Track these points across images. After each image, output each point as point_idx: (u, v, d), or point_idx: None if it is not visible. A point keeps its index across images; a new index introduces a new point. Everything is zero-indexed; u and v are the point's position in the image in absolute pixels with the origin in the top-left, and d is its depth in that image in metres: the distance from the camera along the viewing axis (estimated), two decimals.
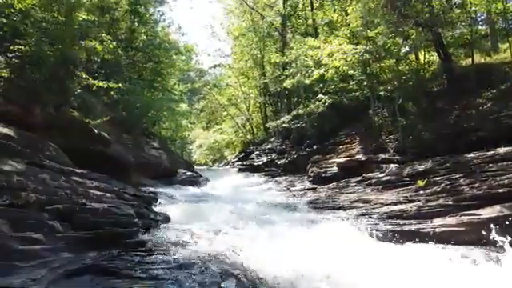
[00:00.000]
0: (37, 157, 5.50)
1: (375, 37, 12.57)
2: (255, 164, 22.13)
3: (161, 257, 4.16)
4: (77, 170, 6.04)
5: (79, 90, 11.91)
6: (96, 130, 11.67)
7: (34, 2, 9.40)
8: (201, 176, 19.24)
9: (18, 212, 3.96)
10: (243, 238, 5.61)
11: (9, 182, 4.06)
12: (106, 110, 14.23)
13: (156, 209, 8.13)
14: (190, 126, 34.00)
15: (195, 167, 28.83)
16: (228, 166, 25.26)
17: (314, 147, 18.26)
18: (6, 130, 5.46)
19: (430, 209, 7.84)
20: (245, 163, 23.37)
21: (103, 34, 11.92)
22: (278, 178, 18.21)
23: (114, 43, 12.05)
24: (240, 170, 22.25)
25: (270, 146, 23.16)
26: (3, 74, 7.99)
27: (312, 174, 15.57)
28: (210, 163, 38.98)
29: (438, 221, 7.30)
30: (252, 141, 27.08)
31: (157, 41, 21.07)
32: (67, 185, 5.12)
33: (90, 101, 13.19)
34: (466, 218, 6.99)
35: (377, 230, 7.34)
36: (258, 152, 23.69)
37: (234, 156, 28.37)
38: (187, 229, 5.91)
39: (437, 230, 7.05)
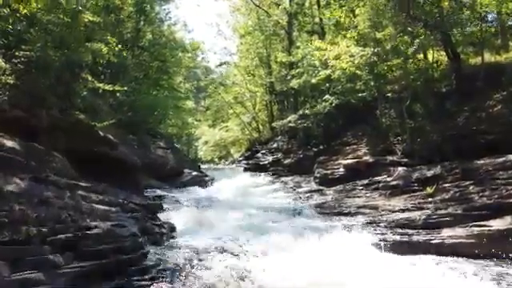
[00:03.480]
0: (42, 171, 5.45)
1: (383, 39, 12.36)
2: (261, 163, 22.03)
3: (165, 287, 4.10)
4: (82, 184, 5.99)
5: (85, 93, 11.87)
6: (101, 133, 11.64)
7: (40, 6, 9.35)
8: (206, 175, 19.22)
9: (18, 250, 3.90)
10: (251, 257, 5.53)
11: (9, 215, 4.00)
12: (112, 112, 14.20)
13: (161, 215, 8.10)
14: (195, 123, 33.94)
15: (201, 164, 28.89)
16: (234, 165, 25.22)
17: (321, 147, 18.11)
18: (10, 143, 5.40)
19: (439, 218, 7.72)
20: (251, 162, 23.28)
21: (108, 37, 11.82)
22: (284, 178, 18.08)
23: (120, 46, 11.95)
24: (246, 169, 22.18)
25: (275, 145, 23.02)
26: (9, 81, 7.94)
27: (318, 175, 15.44)
28: (216, 160, 38.99)
29: (447, 231, 7.19)
30: (258, 139, 26.96)
31: (163, 40, 20.98)
32: (71, 202, 5.06)
33: (95, 103, 13.14)
34: (476, 230, 6.86)
35: (385, 241, 7.25)
36: (263, 151, 23.58)
37: (240, 154, 28.31)
38: (193, 245, 5.83)
39: (446, 241, 6.94)
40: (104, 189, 6.53)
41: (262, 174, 20.08)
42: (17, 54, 8.38)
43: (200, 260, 5.14)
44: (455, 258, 6.39)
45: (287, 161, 20.12)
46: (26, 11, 8.71)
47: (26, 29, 8.72)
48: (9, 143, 5.41)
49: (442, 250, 6.77)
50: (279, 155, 21.55)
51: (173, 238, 6.41)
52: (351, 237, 7.48)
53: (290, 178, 17.96)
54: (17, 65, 8.49)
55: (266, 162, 21.75)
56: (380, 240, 7.32)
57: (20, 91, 8.42)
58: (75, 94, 11.13)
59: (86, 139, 10.71)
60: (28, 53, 8.62)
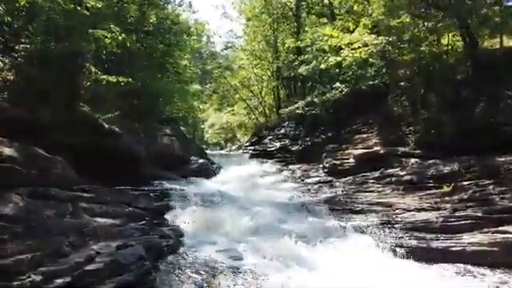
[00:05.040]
0: (42, 180, 5.15)
1: (398, 26, 11.78)
2: (268, 150, 21.68)
3: None
4: (84, 195, 5.69)
5: (89, 83, 11.54)
6: (106, 125, 11.37)
7: None
8: (213, 163, 18.91)
9: None
10: (263, 275, 5.25)
11: (3, 266, 3.67)
12: (117, 100, 13.84)
13: (168, 215, 7.86)
14: (201, 107, 33.52)
15: (207, 148, 28.57)
16: (241, 151, 24.84)
17: (329, 134, 17.77)
18: (8, 151, 5.09)
19: (458, 220, 7.38)
20: (257, 148, 22.94)
21: (111, 25, 11.37)
22: (291, 166, 17.73)
23: (123, 35, 11.52)
24: (253, 156, 21.82)
25: (283, 130, 22.64)
26: (9, 77, 7.61)
27: (327, 165, 15.08)
28: (223, 142, 38.78)
29: (467, 237, 6.86)
30: (265, 124, 26.56)
31: (167, 23, 20.43)
32: (73, 221, 4.76)
33: (100, 93, 12.81)
34: (499, 237, 6.53)
35: (401, 247, 6.95)
36: (270, 137, 23.21)
37: (246, 139, 27.97)
38: (202, 260, 5.53)
39: (467, 248, 6.61)
40: (107, 195, 6.22)
41: (269, 161, 19.73)
42: (16, 47, 8.02)
43: (211, 284, 4.85)
44: (478, 269, 6.09)
45: (295, 148, 19.78)
46: (24, 2, 8.30)
47: (25, 22, 8.27)
48: (7, 151, 5.11)
49: (464, 258, 6.43)
50: (287, 141, 21.18)
51: (181, 246, 6.13)
52: (366, 241, 7.20)
53: (297, 165, 17.61)
54: (17, 59, 8.15)
55: (274, 149, 21.39)
56: (397, 245, 7.01)
57: (21, 87, 8.12)
58: (79, 85, 10.81)
59: (91, 133, 10.46)
60: (28, 46, 8.27)
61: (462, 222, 7.31)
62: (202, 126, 41.96)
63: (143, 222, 5.97)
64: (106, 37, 11.34)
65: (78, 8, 9.01)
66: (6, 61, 7.86)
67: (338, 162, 14.53)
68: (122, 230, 5.25)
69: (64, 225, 4.68)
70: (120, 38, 11.21)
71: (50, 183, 5.42)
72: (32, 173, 5.14)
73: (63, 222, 4.71)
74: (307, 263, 5.84)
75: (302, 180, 14.79)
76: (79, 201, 5.44)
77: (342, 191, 11.58)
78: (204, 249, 6.09)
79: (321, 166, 15.95)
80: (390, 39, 11.91)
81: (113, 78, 10.80)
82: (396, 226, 7.90)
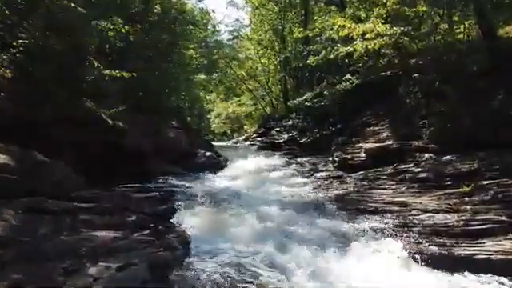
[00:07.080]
0: (39, 188, 4.82)
1: (413, 16, 11.26)
2: (276, 142, 21.47)
3: None
4: (84, 205, 5.32)
5: (92, 77, 11.18)
6: (110, 121, 11.06)
7: None
8: (220, 156, 18.64)
9: None
10: None
11: None
12: (121, 93, 13.50)
13: (175, 219, 7.53)
14: (208, 97, 33.17)
15: (214, 139, 28.30)
16: (248, 142, 24.56)
17: (338, 126, 17.39)
18: (3, 158, 4.76)
19: (480, 224, 6.98)
20: (265, 140, 22.78)
21: (114, 17, 10.97)
22: (299, 159, 17.39)
23: (127, 27, 11.11)
24: (260, 148, 21.61)
25: (290, 122, 22.32)
26: (7, 75, 7.27)
27: (337, 159, 14.67)
28: (229, 132, 38.49)
29: (491, 244, 6.46)
30: (272, 115, 26.20)
31: (172, 13, 19.95)
32: (69, 239, 4.39)
33: (103, 86, 12.46)
34: None
35: (421, 253, 6.58)
36: (278, 128, 22.98)
37: (253, 130, 27.67)
38: (214, 274, 5.17)
39: (493, 257, 6.23)
40: (110, 201, 5.88)
41: (277, 153, 19.49)
42: (15, 43, 7.65)
43: None
44: (506, 279, 5.71)
45: (303, 139, 19.46)
46: None
47: (24, 16, 7.89)
48: (2, 158, 4.77)
49: (490, 268, 6.06)
50: (295, 133, 20.87)
51: (188, 256, 5.81)
52: (385, 247, 6.83)
53: (305, 158, 17.27)
54: (15, 55, 7.79)
55: (281, 141, 21.16)
56: (416, 252, 6.65)
57: (22, 85, 7.79)
58: (81, 79, 10.47)
59: (96, 130, 10.19)
60: (27, 41, 7.89)
61: (485, 227, 6.92)
62: (208, 116, 41.69)
63: (148, 230, 5.64)
64: (110, 29, 10.98)
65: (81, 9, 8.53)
66: (5, 57, 7.50)
67: (348, 156, 14.11)
68: (124, 243, 4.86)
69: (60, 245, 4.30)
70: (124, 30, 10.81)
71: (49, 192, 5.10)
72: (29, 182, 4.81)
73: (59, 242, 4.34)
74: (337, 280, 5.46)
75: (312, 174, 14.43)
76: (79, 212, 5.08)
77: (354, 188, 11.21)
78: (214, 260, 5.75)
79: (330, 159, 15.57)
80: (405, 29, 11.38)
81: (116, 73, 10.43)
82: (414, 229, 7.52)
